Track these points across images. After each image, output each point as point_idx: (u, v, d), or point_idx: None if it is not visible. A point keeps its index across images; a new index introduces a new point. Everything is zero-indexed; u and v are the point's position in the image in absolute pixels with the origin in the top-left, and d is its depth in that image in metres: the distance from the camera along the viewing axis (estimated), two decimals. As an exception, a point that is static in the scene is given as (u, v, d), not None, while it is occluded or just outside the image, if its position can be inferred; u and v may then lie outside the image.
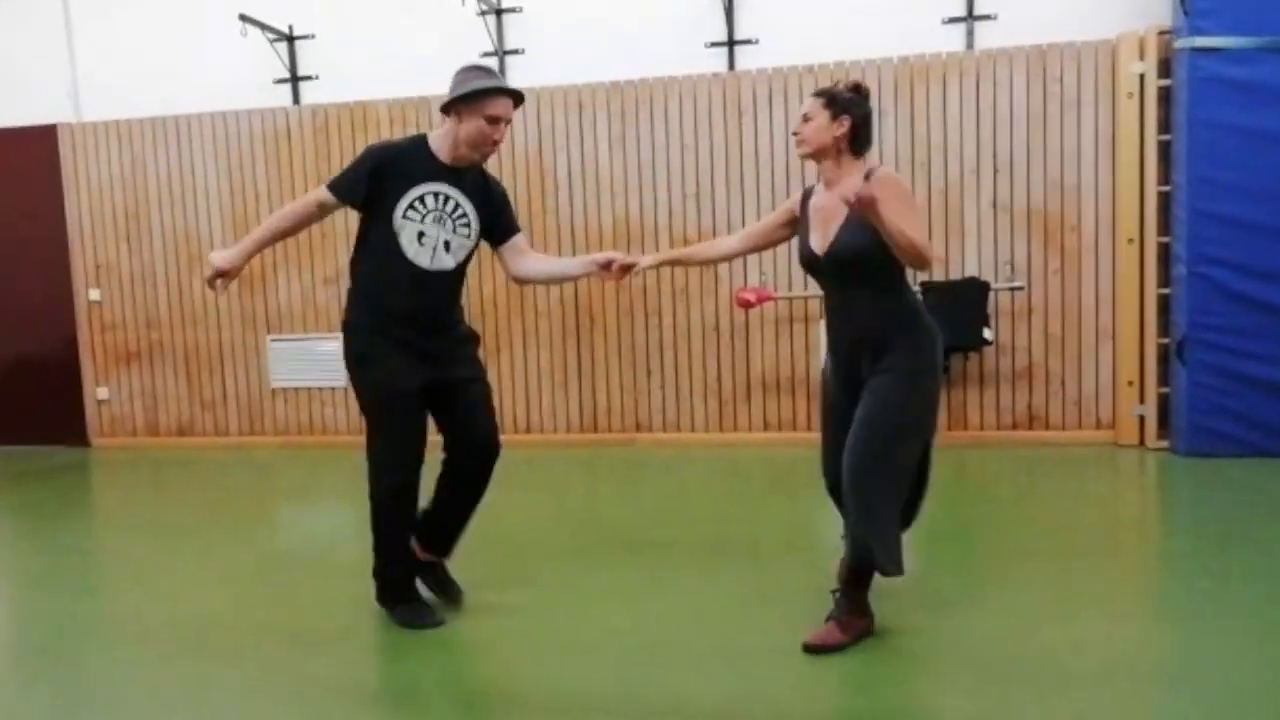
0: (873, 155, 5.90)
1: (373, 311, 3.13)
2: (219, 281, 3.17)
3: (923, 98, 5.84)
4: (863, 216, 2.70)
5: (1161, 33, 5.44)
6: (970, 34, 5.85)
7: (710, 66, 6.16)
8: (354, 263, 3.22)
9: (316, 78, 6.69)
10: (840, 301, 2.97)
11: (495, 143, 3.14)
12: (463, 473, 3.29)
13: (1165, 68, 5.44)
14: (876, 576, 2.94)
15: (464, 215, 3.18)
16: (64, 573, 4.13)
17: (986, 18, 5.82)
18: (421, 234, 3.10)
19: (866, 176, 2.87)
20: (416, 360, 3.13)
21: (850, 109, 2.91)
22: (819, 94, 2.97)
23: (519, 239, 3.39)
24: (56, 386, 7.11)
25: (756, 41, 6.10)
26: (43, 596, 3.77)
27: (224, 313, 6.87)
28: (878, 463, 2.80)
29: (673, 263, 3.65)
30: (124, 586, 3.91)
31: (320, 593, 3.64)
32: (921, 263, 2.77)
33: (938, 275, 5.84)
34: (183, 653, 3.10)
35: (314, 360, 6.69)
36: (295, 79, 6.70)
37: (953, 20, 5.87)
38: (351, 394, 3.25)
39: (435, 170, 3.12)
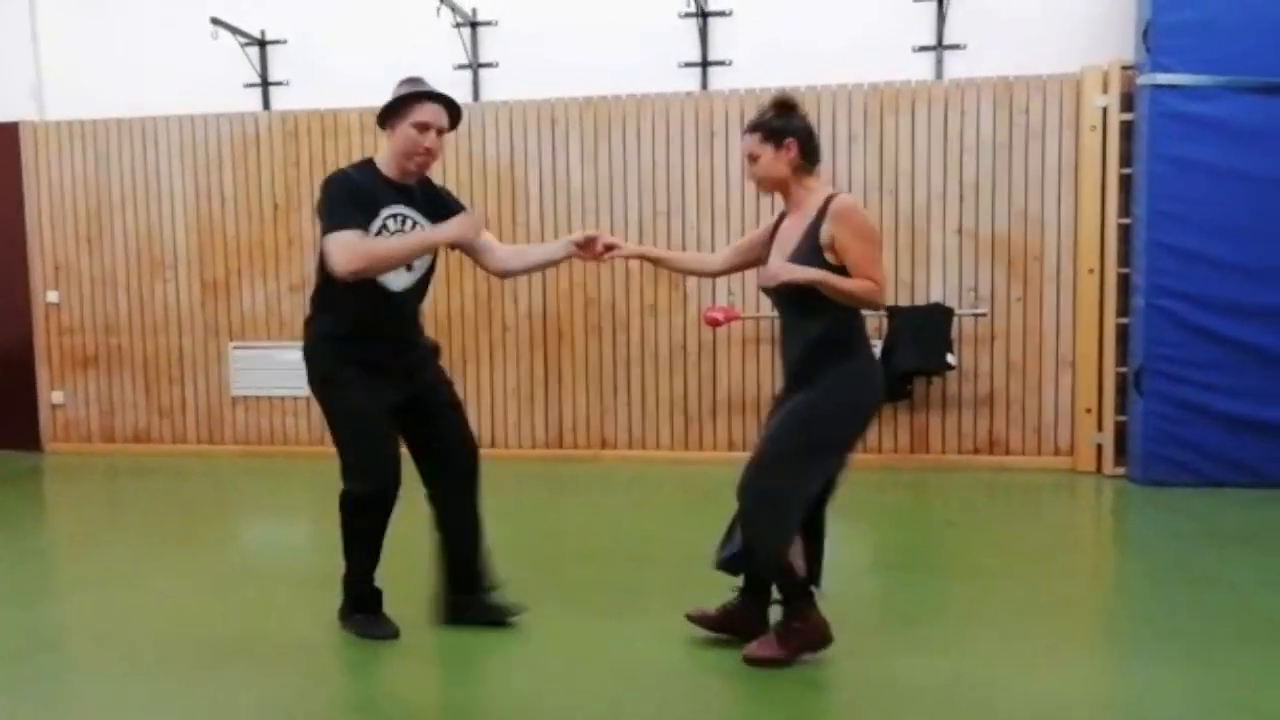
0: (841, 181, 6.00)
1: (340, 335, 3.10)
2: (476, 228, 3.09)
3: (892, 124, 5.92)
4: (810, 249, 2.75)
5: (1125, 68, 5.56)
6: (939, 63, 5.94)
7: (683, 86, 6.20)
8: (318, 291, 3.16)
9: (288, 83, 6.64)
10: (783, 326, 3.01)
11: (427, 151, 3.07)
12: (450, 489, 3.29)
13: (1128, 102, 5.56)
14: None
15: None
16: (17, 581, 4.03)
17: (956, 48, 5.92)
18: None
19: (824, 207, 2.85)
20: (384, 380, 3.12)
21: (789, 130, 2.90)
22: (752, 130, 2.93)
23: (483, 236, 3.35)
24: (10, 389, 6.95)
25: (730, 63, 6.15)
26: (-11, 606, 3.69)
27: (185, 319, 6.77)
28: (768, 474, 2.84)
29: (654, 260, 3.53)
30: (79, 597, 3.83)
31: (278, 604, 3.59)
32: (870, 307, 2.87)
33: (903, 300, 5.90)
34: (139, 665, 3.04)
35: (276, 369, 6.59)
36: (266, 84, 6.65)
37: (923, 49, 5.95)
38: (314, 403, 3.23)
39: (390, 193, 3.11)
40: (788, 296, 2.90)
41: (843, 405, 2.84)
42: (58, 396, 6.99)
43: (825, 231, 2.80)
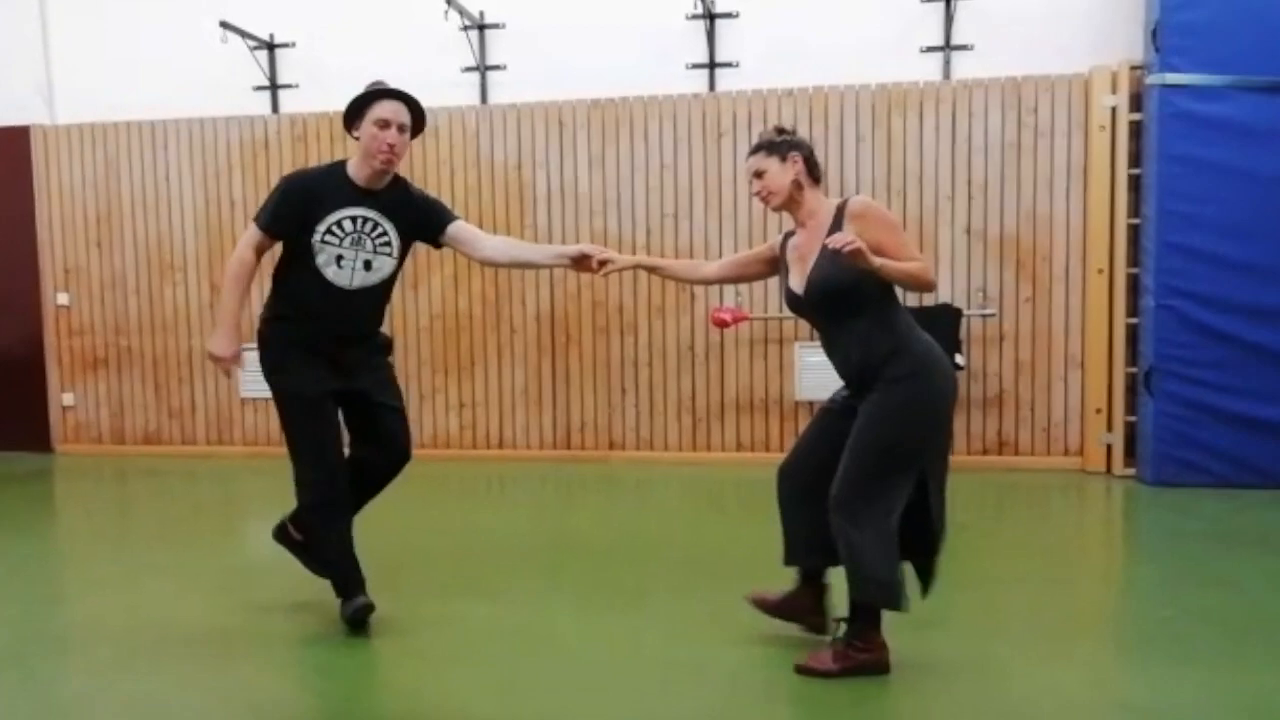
0: (848, 181, 6.01)
1: (290, 322, 3.23)
2: (231, 364, 3.26)
3: (899, 125, 5.91)
4: (836, 254, 2.69)
5: (1134, 68, 5.55)
6: (947, 64, 5.93)
7: (691, 87, 6.20)
8: (276, 273, 3.29)
9: (296, 86, 6.66)
10: (829, 338, 2.93)
11: (390, 148, 3.15)
12: (370, 469, 3.38)
13: (1137, 102, 5.55)
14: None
15: (384, 234, 3.25)
16: (24, 582, 4.04)
17: (963, 48, 5.91)
18: (340, 257, 3.19)
19: (840, 211, 2.83)
20: (328, 369, 3.23)
21: (794, 146, 2.92)
22: (756, 149, 2.95)
23: (458, 226, 3.39)
24: (20, 391, 6.99)
25: (737, 65, 6.15)
26: (1, 606, 3.69)
27: (195, 320, 6.80)
28: (857, 493, 2.77)
29: (649, 269, 3.55)
30: (87, 598, 3.84)
31: (282, 605, 3.59)
32: (925, 288, 2.82)
33: (911, 300, 5.88)
34: (146, 666, 3.05)
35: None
36: (275, 87, 6.67)
37: (930, 49, 5.95)
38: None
39: (351, 195, 3.20)
40: (824, 306, 2.86)
41: (913, 397, 2.77)
42: (68, 398, 7.02)
43: (850, 234, 2.76)
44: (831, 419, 2.96)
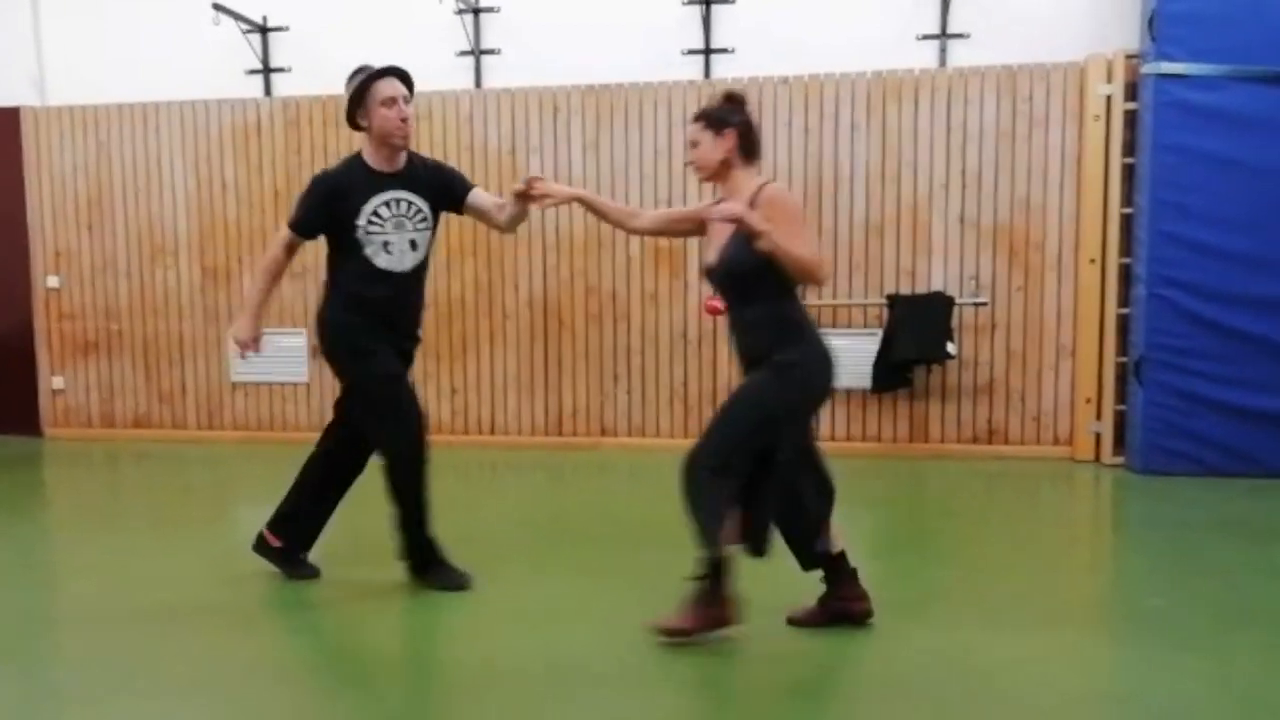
0: (842, 170, 5.99)
1: (356, 311, 3.30)
2: (251, 348, 3.43)
3: (894, 113, 5.90)
4: (742, 235, 2.76)
5: (1129, 57, 5.54)
6: (943, 51, 5.92)
7: (686, 74, 6.18)
8: (330, 265, 3.37)
9: (289, 70, 6.62)
10: (731, 314, 3.02)
11: (404, 121, 3.25)
12: (346, 461, 3.53)
13: (1132, 91, 5.54)
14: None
15: (419, 211, 3.33)
16: (15, 566, 4.04)
17: (959, 36, 5.89)
18: (387, 243, 3.28)
19: (755, 196, 2.87)
20: (397, 357, 3.37)
21: (730, 121, 2.94)
22: (698, 117, 2.99)
23: (476, 194, 3.49)
24: (10, 375, 6.96)
25: (732, 51, 6.13)
26: (-11, 588, 3.69)
27: (185, 304, 6.77)
28: (711, 454, 2.89)
29: (585, 203, 3.42)
30: (75, 582, 3.84)
31: (272, 586, 3.60)
32: (813, 281, 2.91)
33: (904, 288, 5.89)
34: (130, 648, 3.05)
35: (276, 355, 6.56)
36: (267, 70, 6.62)
37: (926, 37, 5.93)
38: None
39: (376, 182, 3.29)
40: (728, 281, 2.96)
41: (785, 380, 2.86)
42: (58, 382, 6.99)
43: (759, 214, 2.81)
44: None
